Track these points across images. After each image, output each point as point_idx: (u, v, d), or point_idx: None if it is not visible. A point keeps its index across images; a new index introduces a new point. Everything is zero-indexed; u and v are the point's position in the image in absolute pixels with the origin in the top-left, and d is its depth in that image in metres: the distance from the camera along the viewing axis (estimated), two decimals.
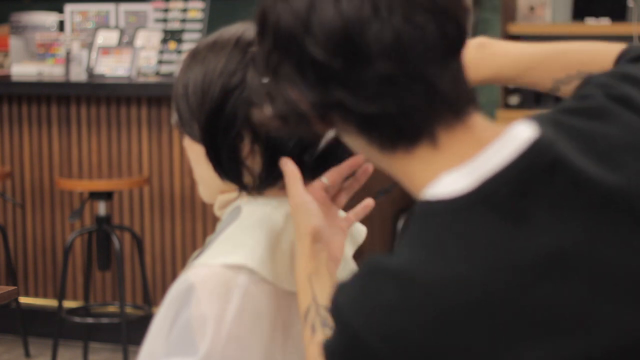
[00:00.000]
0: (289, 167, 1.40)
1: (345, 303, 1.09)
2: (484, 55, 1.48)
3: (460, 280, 1.05)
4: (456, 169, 1.10)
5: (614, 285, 1.09)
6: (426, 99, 1.10)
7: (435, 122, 1.11)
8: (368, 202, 1.51)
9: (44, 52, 5.25)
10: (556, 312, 1.06)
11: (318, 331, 1.33)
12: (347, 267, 1.53)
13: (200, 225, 4.64)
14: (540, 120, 1.14)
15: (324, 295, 1.36)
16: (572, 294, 1.07)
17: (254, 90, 1.25)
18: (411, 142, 1.12)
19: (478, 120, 1.13)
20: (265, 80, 1.16)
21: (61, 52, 5.17)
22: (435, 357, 1.05)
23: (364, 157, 1.20)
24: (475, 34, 5.17)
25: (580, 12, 5.62)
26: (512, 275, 1.05)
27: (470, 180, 1.09)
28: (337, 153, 1.45)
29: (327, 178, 1.43)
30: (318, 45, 1.09)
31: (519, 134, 1.11)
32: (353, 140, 1.16)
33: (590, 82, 1.24)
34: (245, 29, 1.50)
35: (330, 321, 1.32)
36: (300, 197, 1.39)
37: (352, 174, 1.47)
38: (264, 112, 1.19)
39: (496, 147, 1.10)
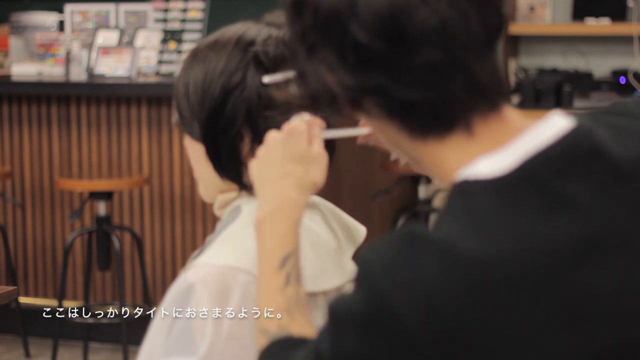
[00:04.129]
0: (318, 119, 1.36)
1: (379, 267, 1.05)
2: None
3: (502, 258, 1.03)
4: (493, 153, 1.09)
5: None
6: (465, 87, 1.09)
7: (472, 111, 1.10)
8: None
9: (44, 52, 5.25)
10: (593, 298, 1.05)
11: (292, 284, 1.29)
12: (347, 268, 1.53)
13: (200, 225, 4.63)
14: (575, 114, 1.14)
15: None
16: (607, 283, 1.06)
17: (287, 65, 1.20)
18: (446, 129, 1.11)
19: (511, 112, 1.13)
20: (297, 57, 1.14)
21: (61, 52, 5.17)
22: (464, 334, 1.02)
23: (390, 145, 1.18)
24: None
25: (580, 12, 5.61)
26: (553, 258, 1.04)
27: (510, 161, 1.08)
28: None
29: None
30: (363, 28, 1.06)
31: (557, 122, 1.11)
32: (381, 126, 1.14)
33: (621, 99, 1.26)
34: (246, 28, 1.50)
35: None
36: (321, 150, 1.36)
37: None
38: (290, 91, 1.17)
39: (535, 132, 1.10)
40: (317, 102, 1.15)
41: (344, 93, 1.11)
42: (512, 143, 1.10)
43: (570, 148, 1.09)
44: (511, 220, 1.05)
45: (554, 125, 1.10)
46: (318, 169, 1.35)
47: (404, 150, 1.16)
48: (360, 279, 1.07)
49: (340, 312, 1.07)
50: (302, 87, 1.15)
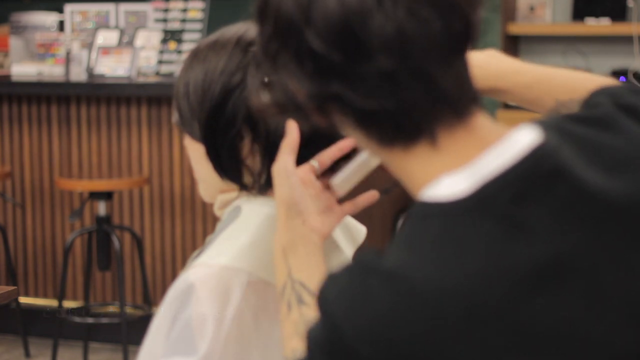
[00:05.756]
0: (292, 134, 1.38)
1: (332, 295, 1.05)
2: (491, 61, 1.46)
3: (454, 290, 1.01)
4: (457, 170, 1.07)
5: (608, 303, 1.05)
6: (426, 97, 1.06)
7: (435, 121, 1.08)
8: (372, 194, 1.47)
9: (44, 52, 5.25)
10: (549, 328, 1.03)
11: (294, 308, 1.31)
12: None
13: (200, 225, 4.63)
14: (545, 125, 1.10)
15: (298, 269, 1.34)
16: (566, 309, 1.03)
17: (254, 76, 1.21)
18: (409, 140, 1.08)
19: (481, 122, 1.10)
20: (264, 67, 1.14)
21: (61, 52, 5.17)
22: None
23: (365, 149, 1.17)
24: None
25: (580, 12, 5.62)
26: (507, 287, 1.02)
27: (469, 184, 1.05)
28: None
29: (316, 160, 1.41)
30: (317, 36, 1.05)
31: (521, 139, 1.07)
32: (351, 134, 1.13)
33: (601, 92, 1.22)
34: (246, 28, 1.50)
35: (305, 297, 1.31)
36: (283, 164, 1.37)
37: (346, 157, 1.45)
38: (262, 99, 1.17)
39: (497, 151, 1.07)
40: (284, 111, 1.15)
41: (308, 102, 1.10)
42: (475, 161, 1.07)
43: (529, 170, 1.05)
44: (466, 249, 1.03)
45: (518, 143, 1.07)
46: (278, 185, 1.38)
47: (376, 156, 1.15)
48: (319, 304, 1.07)
49: (310, 338, 1.08)
50: (270, 96, 1.15)
